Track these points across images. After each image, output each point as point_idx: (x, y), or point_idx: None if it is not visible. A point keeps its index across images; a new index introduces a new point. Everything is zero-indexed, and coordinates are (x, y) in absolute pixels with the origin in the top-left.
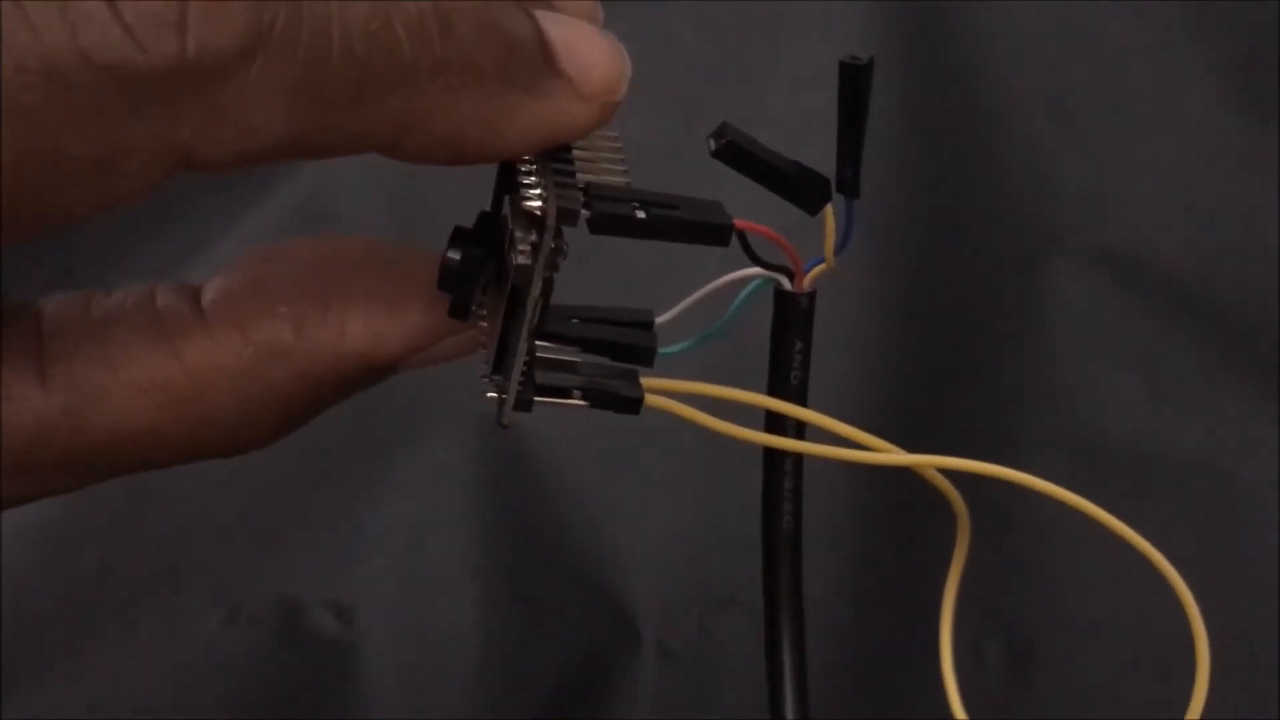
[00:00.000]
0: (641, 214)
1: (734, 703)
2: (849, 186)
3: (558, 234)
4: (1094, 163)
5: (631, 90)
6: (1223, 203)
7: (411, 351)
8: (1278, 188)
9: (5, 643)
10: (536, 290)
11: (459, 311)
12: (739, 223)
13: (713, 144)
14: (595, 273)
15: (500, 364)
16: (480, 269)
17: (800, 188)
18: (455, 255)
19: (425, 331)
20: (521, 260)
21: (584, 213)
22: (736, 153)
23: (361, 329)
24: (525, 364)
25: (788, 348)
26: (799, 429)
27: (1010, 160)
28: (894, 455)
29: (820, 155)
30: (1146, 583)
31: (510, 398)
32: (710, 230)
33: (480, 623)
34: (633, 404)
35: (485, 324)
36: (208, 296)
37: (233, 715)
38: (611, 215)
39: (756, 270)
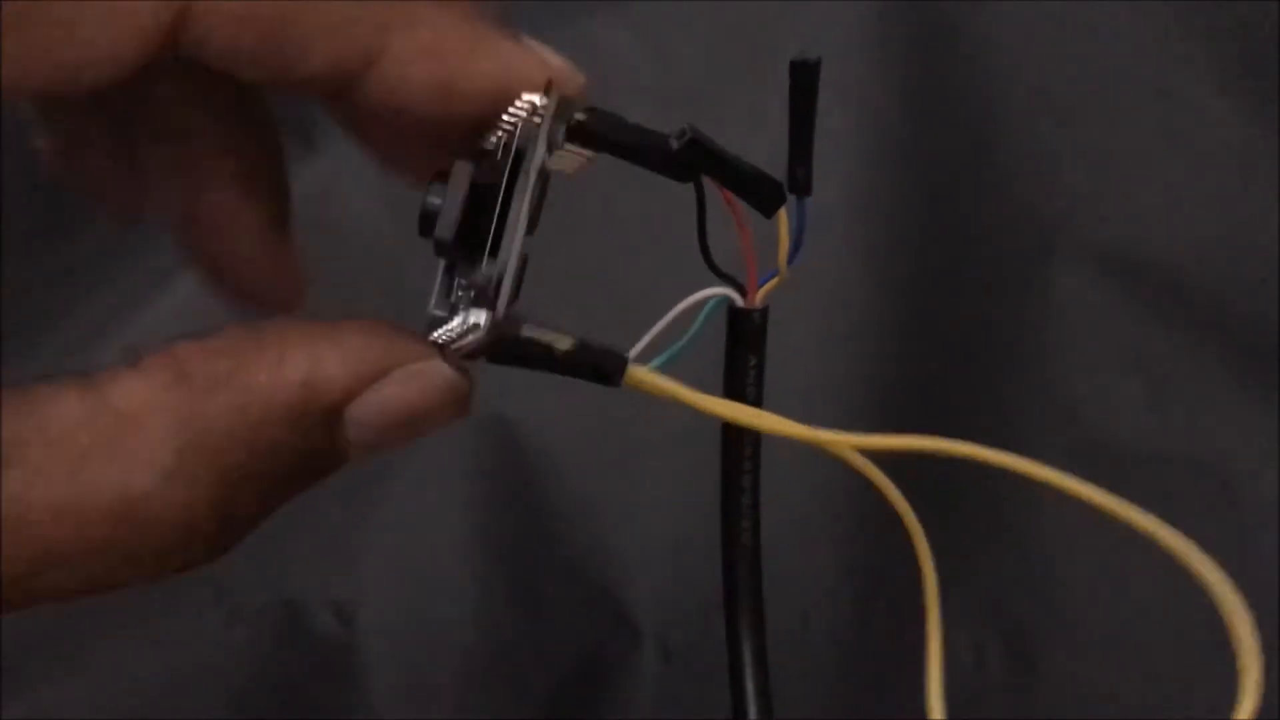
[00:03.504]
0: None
1: None
2: (801, 185)
3: (560, 106)
4: (1094, 163)
5: (632, 90)
6: (1222, 203)
7: (355, 382)
8: (1277, 187)
9: (5, 643)
10: (541, 151)
11: (444, 249)
12: (742, 234)
13: (674, 143)
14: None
15: (496, 247)
16: (459, 203)
17: (757, 189)
18: (435, 200)
19: (367, 357)
20: (524, 118)
21: (583, 118)
22: (698, 152)
23: (302, 356)
24: (519, 264)
25: (742, 363)
26: (755, 441)
27: (1010, 160)
28: (811, 433)
29: (820, 155)
30: (1148, 583)
31: (506, 289)
32: (769, 187)
33: (480, 623)
34: (617, 365)
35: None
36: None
37: (233, 715)
38: (610, 119)
39: (712, 290)
